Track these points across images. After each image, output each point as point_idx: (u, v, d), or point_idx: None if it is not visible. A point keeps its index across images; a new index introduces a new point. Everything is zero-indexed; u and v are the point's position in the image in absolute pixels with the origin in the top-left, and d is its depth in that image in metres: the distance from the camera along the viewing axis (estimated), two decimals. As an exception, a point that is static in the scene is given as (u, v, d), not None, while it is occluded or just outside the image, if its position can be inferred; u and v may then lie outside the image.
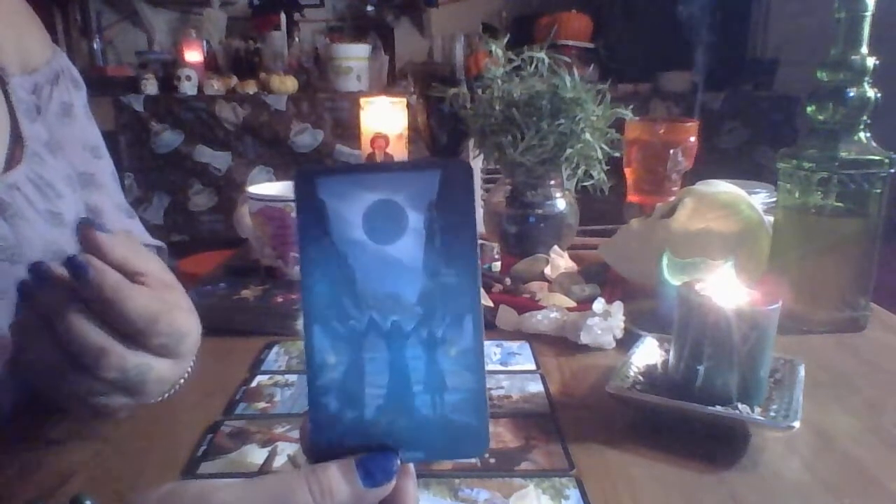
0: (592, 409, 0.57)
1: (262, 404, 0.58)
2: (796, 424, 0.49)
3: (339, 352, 0.31)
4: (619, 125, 0.93)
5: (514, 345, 0.71)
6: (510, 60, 0.91)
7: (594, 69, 2.66)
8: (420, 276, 0.31)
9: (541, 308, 0.75)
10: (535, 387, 0.61)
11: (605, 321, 0.69)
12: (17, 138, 0.58)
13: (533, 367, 0.66)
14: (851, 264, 0.74)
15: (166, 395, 0.50)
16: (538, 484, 0.46)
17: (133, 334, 0.42)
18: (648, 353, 0.62)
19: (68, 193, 0.61)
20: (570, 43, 2.81)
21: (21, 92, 0.60)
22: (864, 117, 0.71)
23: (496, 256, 0.91)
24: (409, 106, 1.02)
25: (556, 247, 0.90)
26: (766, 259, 0.77)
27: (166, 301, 0.44)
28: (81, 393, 0.42)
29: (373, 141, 1.01)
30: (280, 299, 0.75)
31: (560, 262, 0.88)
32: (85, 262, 0.40)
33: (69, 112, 0.67)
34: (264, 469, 0.48)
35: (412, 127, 1.02)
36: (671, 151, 1.00)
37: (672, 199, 0.86)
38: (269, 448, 0.51)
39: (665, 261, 0.73)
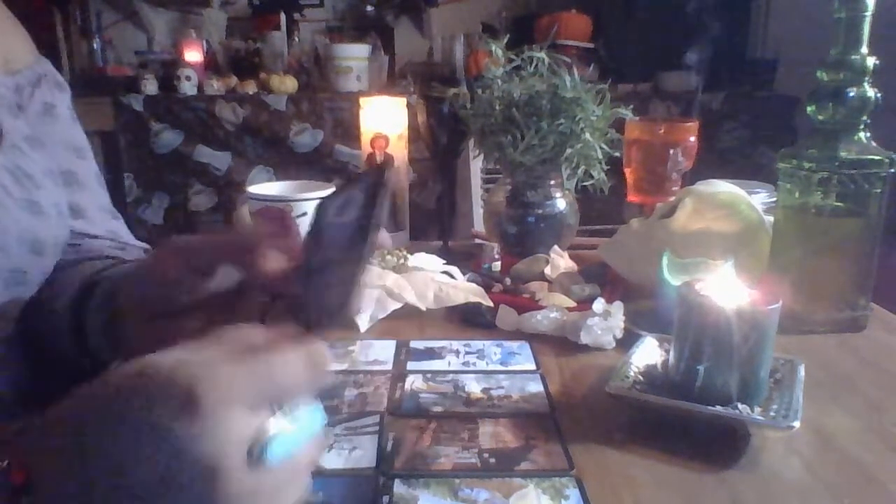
0: (592, 409, 0.57)
1: (262, 404, 0.58)
2: (796, 424, 0.49)
3: None
4: (619, 125, 0.93)
5: (514, 345, 0.71)
6: (510, 60, 0.91)
7: (594, 69, 2.65)
8: None
9: (541, 308, 0.75)
10: (535, 387, 0.61)
11: (605, 321, 0.69)
12: None
13: (533, 367, 0.66)
14: (851, 264, 0.74)
15: None
16: (538, 484, 0.46)
17: None
18: (648, 353, 0.62)
19: (49, 186, 0.60)
20: (570, 43, 2.81)
21: (2, 89, 0.61)
22: (864, 117, 0.71)
23: (496, 256, 0.91)
24: (409, 106, 1.02)
25: (556, 247, 0.90)
26: (766, 259, 0.77)
27: None
28: None
29: (373, 141, 1.01)
30: (280, 299, 0.75)
31: (560, 262, 0.88)
32: None
33: (51, 112, 0.67)
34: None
35: (412, 127, 1.02)
36: (671, 151, 1.00)
37: (672, 199, 0.86)
38: (269, 448, 0.51)
39: (665, 261, 0.73)
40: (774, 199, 0.82)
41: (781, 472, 0.49)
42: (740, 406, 0.52)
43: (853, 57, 0.70)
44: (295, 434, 0.30)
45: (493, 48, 0.91)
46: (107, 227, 0.70)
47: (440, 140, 0.99)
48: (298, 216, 0.82)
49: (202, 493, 0.27)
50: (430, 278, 0.79)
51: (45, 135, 0.65)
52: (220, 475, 0.27)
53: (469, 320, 0.77)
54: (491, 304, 0.76)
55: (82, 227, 0.67)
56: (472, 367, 0.66)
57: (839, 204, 0.72)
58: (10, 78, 0.63)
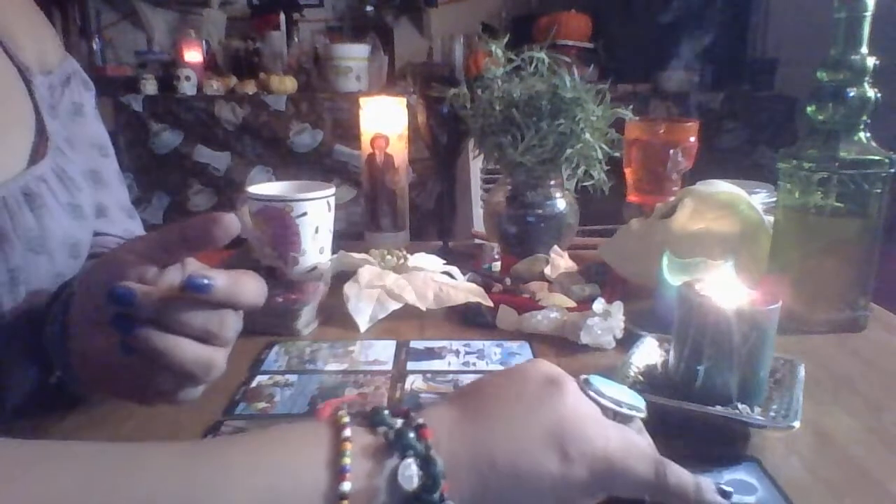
0: (592, 409, 0.57)
1: (262, 404, 0.58)
2: (796, 424, 0.49)
3: None
4: (619, 125, 0.93)
5: (514, 345, 0.71)
6: (510, 60, 0.90)
7: (594, 69, 2.65)
8: None
9: (541, 308, 0.75)
10: (535, 387, 0.61)
11: (605, 321, 0.69)
12: (41, 133, 0.58)
13: (533, 367, 0.66)
14: (851, 264, 0.74)
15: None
16: (538, 484, 0.46)
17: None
18: (648, 353, 0.62)
19: (85, 187, 0.61)
20: (570, 43, 2.81)
21: (42, 89, 0.61)
22: (864, 117, 0.71)
23: (496, 256, 0.91)
24: (408, 106, 1.02)
25: (556, 247, 0.90)
26: (766, 259, 0.77)
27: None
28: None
29: (373, 141, 1.01)
30: (280, 299, 0.75)
31: (560, 262, 0.88)
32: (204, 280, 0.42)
33: (80, 111, 0.67)
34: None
35: (412, 127, 1.02)
36: (671, 151, 1.00)
37: (672, 199, 0.86)
38: (269, 448, 0.51)
39: (665, 261, 0.73)
40: (774, 199, 0.82)
41: (781, 472, 0.49)
42: (740, 406, 0.52)
43: (853, 57, 0.70)
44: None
45: (493, 48, 0.91)
46: (124, 227, 0.70)
47: (440, 140, 0.99)
48: (298, 216, 0.82)
49: None
50: (430, 278, 0.79)
51: (74, 136, 0.65)
52: None
53: (469, 320, 0.77)
54: (491, 304, 0.76)
55: (102, 226, 0.67)
56: (472, 368, 0.66)
57: (839, 204, 0.72)
58: (45, 78, 0.63)
